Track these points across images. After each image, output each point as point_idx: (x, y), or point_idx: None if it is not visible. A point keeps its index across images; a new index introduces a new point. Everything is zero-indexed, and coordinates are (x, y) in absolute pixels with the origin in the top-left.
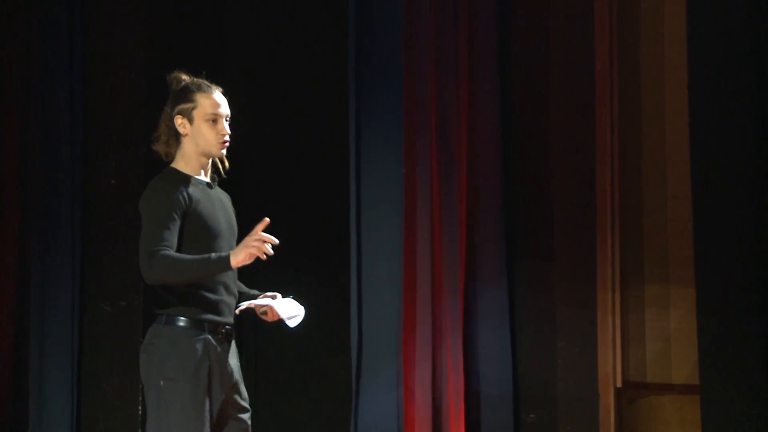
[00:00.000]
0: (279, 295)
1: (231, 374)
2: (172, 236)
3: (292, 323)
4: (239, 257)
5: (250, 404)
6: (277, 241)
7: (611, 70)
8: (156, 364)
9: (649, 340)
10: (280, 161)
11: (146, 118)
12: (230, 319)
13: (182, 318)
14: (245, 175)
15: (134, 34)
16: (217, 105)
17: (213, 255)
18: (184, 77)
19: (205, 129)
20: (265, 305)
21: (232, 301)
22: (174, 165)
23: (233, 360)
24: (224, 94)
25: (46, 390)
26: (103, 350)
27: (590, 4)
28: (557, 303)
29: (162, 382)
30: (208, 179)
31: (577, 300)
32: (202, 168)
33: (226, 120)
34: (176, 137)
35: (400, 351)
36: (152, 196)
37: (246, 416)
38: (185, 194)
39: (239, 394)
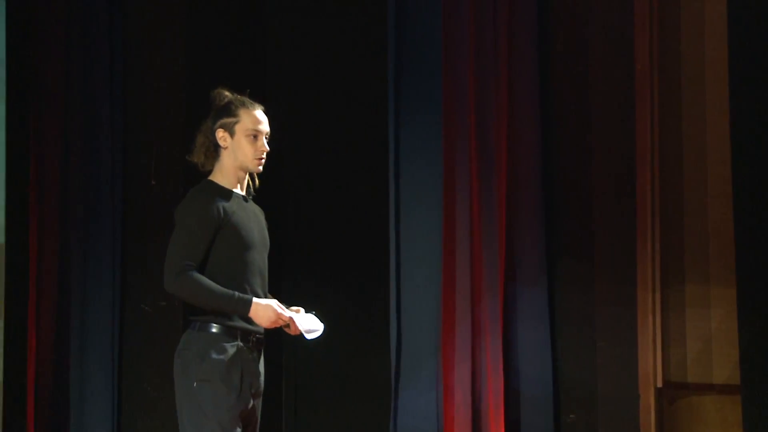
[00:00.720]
0: (302, 310)
1: (259, 384)
2: (202, 251)
3: (309, 336)
4: (259, 317)
5: (290, 405)
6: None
7: (651, 69)
8: (189, 368)
9: (689, 340)
10: (319, 165)
11: (186, 119)
12: (261, 328)
13: (215, 325)
14: (285, 179)
15: (175, 36)
16: (259, 122)
17: (236, 295)
18: (228, 93)
19: (245, 144)
20: (287, 320)
21: None
22: (212, 178)
23: (261, 369)
24: (266, 112)
25: (87, 390)
26: (143, 350)
27: (630, 4)
28: (597, 303)
29: (195, 384)
30: (243, 193)
31: (618, 300)
32: (239, 181)
33: (266, 137)
34: (215, 150)
35: (440, 351)
36: (189, 207)
37: (255, 418)
38: (221, 206)
39: (258, 403)
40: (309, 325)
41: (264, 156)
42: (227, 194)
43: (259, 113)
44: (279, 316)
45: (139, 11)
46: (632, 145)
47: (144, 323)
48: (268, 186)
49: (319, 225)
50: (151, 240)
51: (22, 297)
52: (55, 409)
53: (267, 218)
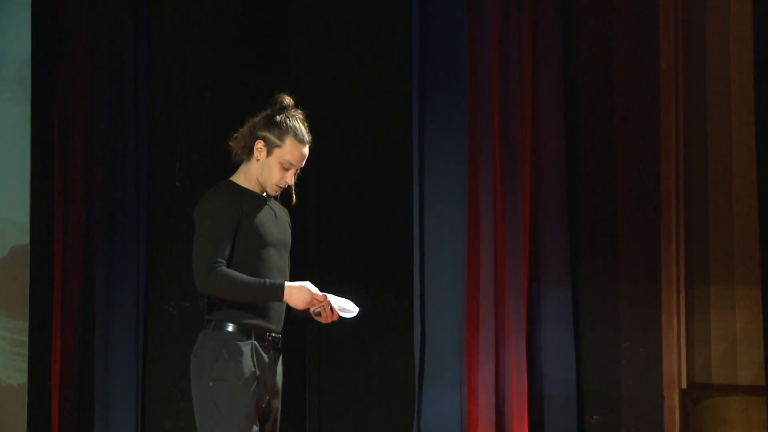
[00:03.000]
0: (331, 296)
1: (275, 383)
2: (227, 249)
3: (344, 315)
4: (294, 299)
5: (313, 406)
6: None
7: (676, 69)
8: (205, 368)
9: (714, 341)
10: (344, 168)
11: (210, 121)
12: (278, 327)
13: (230, 324)
14: (310, 182)
15: (200, 36)
16: (300, 159)
17: (268, 282)
18: (288, 104)
19: (275, 169)
20: (325, 302)
21: (282, 308)
22: (233, 178)
23: (279, 369)
24: (311, 147)
25: (111, 391)
26: (167, 351)
27: (655, 4)
28: (621, 304)
29: (211, 383)
30: (263, 194)
31: (642, 301)
32: (260, 189)
33: (296, 171)
34: (249, 150)
35: (463, 352)
36: (208, 208)
37: (274, 417)
38: (239, 206)
39: (277, 403)
40: (344, 305)
41: (284, 187)
42: (245, 193)
43: (305, 150)
44: (313, 296)
45: (164, 13)
46: (657, 145)
47: (168, 324)
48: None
49: (344, 226)
50: (175, 241)
51: (46, 298)
52: (80, 410)
53: (292, 219)
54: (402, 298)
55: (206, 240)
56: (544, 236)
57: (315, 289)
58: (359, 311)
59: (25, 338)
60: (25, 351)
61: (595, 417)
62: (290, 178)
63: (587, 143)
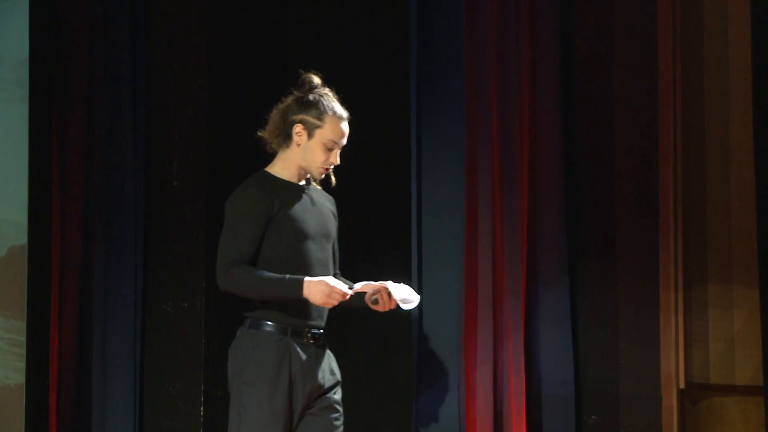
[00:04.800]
0: (389, 282)
1: (316, 378)
2: (252, 244)
3: (405, 306)
4: (313, 295)
5: None
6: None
7: (674, 70)
8: (237, 368)
9: (712, 341)
10: (342, 170)
11: (208, 121)
12: (319, 323)
13: (267, 322)
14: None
15: (197, 36)
16: (342, 135)
17: (287, 278)
18: (318, 83)
19: (319, 151)
20: (379, 287)
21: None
22: (269, 169)
23: (325, 364)
24: (350, 122)
25: (109, 391)
26: (165, 352)
27: (654, 4)
28: (619, 304)
29: (242, 386)
30: (302, 183)
31: (640, 301)
32: (299, 177)
33: (340, 150)
34: (286, 138)
35: (462, 352)
36: (239, 200)
37: (333, 417)
38: (273, 198)
39: (328, 397)
40: (404, 294)
41: (331, 168)
42: (281, 184)
43: (345, 126)
44: (332, 289)
45: (161, 13)
46: (655, 145)
47: (166, 324)
48: None
49: (342, 228)
50: (173, 241)
51: (44, 298)
52: (78, 410)
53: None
54: None
55: (230, 236)
56: (542, 237)
57: (337, 283)
58: (419, 300)
59: (23, 338)
60: (22, 351)
61: (593, 417)
62: (335, 158)
63: (585, 144)
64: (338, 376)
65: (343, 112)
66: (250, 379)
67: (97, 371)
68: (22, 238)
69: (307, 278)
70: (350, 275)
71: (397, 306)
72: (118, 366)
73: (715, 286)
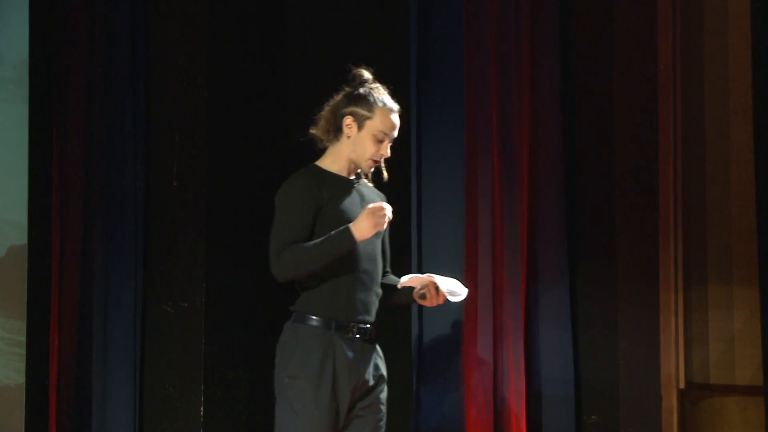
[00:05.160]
0: (436, 276)
1: (361, 374)
2: (303, 236)
3: (453, 299)
4: (364, 230)
5: None
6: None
7: (674, 69)
8: (283, 362)
9: (712, 341)
10: None
11: (208, 121)
12: (365, 317)
13: (312, 317)
14: None
15: (197, 36)
16: (392, 127)
17: (333, 233)
18: (368, 77)
19: (369, 143)
20: (426, 281)
21: (372, 299)
22: (319, 162)
23: (371, 361)
24: (400, 114)
25: (109, 391)
26: (165, 352)
27: (654, 3)
28: (619, 304)
29: (286, 379)
30: (351, 177)
31: (640, 301)
32: (349, 171)
33: (390, 142)
34: (335, 133)
35: (462, 352)
36: (288, 193)
37: (377, 417)
38: (322, 190)
39: (373, 395)
40: (452, 287)
41: (381, 161)
42: (330, 177)
43: (395, 117)
44: (371, 209)
45: (161, 13)
46: (655, 145)
47: (166, 324)
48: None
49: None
50: (173, 241)
51: (44, 298)
52: (77, 411)
53: None
54: None
55: (280, 226)
56: (542, 236)
57: (374, 206)
58: (467, 293)
59: (23, 338)
60: (22, 351)
61: (593, 417)
62: (386, 150)
63: (585, 143)
64: (383, 372)
65: (394, 105)
66: (294, 373)
67: (97, 371)
68: (22, 238)
69: (352, 223)
70: None
71: (446, 300)
72: (118, 366)
73: (715, 286)
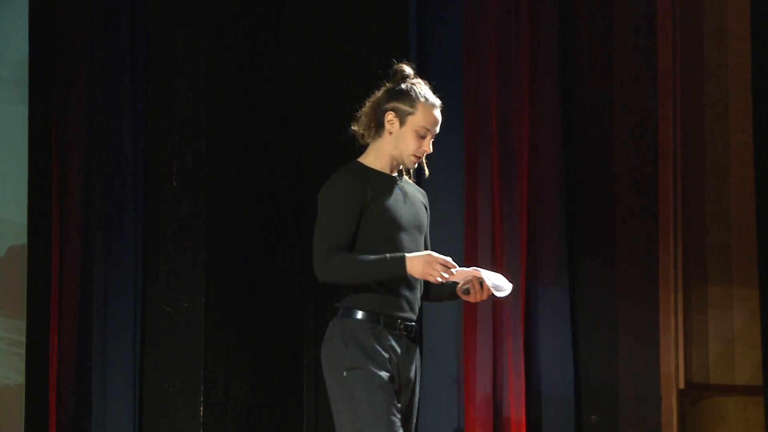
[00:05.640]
0: (481, 269)
1: (408, 371)
2: (349, 235)
3: (499, 294)
4: (415, 268)
5: (310, 404)
6: (454, 273)
7: (674, 69)
8: (336, 358)
9: (711, 341)
10: (341, 162)
11: (208, 121)
12: (410, 315)
13: (360, 311)
14: (307, 181)
15: (197, 35)
16: (435, 122)
17: (388, 256)
18: (409, 73)
19: (411, 139)
20: (471, 275)
21: (416, 296)
22: (361, 159)
23: (415, 358)
24: (442, 110)
25: (109, 391)
26: (165, 351)
27: (653, 4)
28: (619, 304)
29: (345, 372)
30: (394, 174)
31: (639, 301)
32: (391, 168)
33: (432, 138)
34: (377, 129)
35: (461, 352)
36: (332, 191)
37: (411, 415)
38: (366, 188)
39: (411, 391)
40: (497, 281)
41: (423, 156)
42: (374, 174)
43: (437, 113)
44: (435, 259)
45: (161, 13)
46: (655, 145)
47: (166, 324)
48: (291, 185)
49: None
50: (173, 241)
51: (44, 298)
52: (77, 410)
53: (289, 217)
54: None
55: (325, 226)
56: (542, 236)
57: (440, 257)
58: (512, 288)
59: (23, 338)
60: (22, 351)
61: (592, 417)
62: (428, 146)
63: (585, 144)
64: (419, 371)
65: (436, 100)
66: (353, 365)
67: (97, 371)
68: (22, 238)
69: (409, 255)
70: None
71: (491, 295)
72: (118, 366)
73: (715, 286)
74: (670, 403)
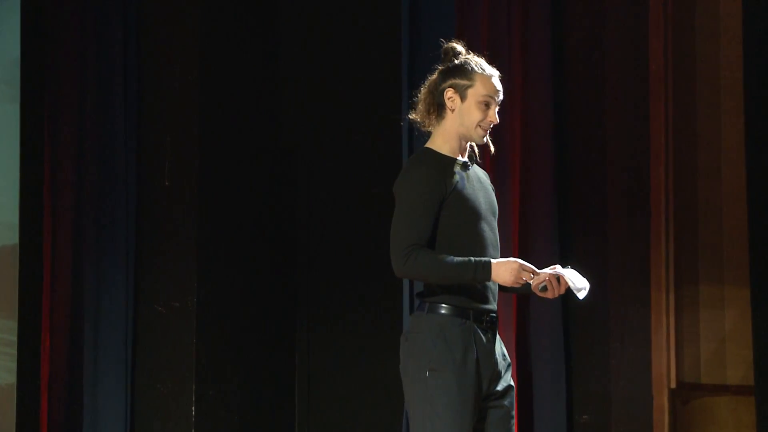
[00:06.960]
0: (559, 266)
1: (495, 363)
2: (430, 228)
3: (581, 295)
4: (500, 275)
5: (303, 396)
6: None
7: (666, 69)
8: (419, 354)
9: (703, 341)
10: (333, 166)
11: (200, 121)
12: (494, 306)
13: (445, 306)
14: (300, 179)
15: (189, 36)
16: (495, 90)
17: (473, 260)
18: (461, 50)
19: (475, 111)
20: (549, 274)
21: (496, 286)
22: (430, 145)
23: (498, 348)
24: (502, 80)
25: (100, 391)
26: (156, 351)
27: (645, 4)
28: (611, 304)
29: (427, 373)
30: (465, 159)
31: (631, 300)
32: (461, 149)
33: (498, 107)
34: (438, 111)
35: None
36: (411, 181)
37: (506, 400)
38: (444, 178)
39: (503, 383)
40: (575, 279)
41: (491, 127)
42: (448, 162)
43: (496, 80)
44: (522, 266)
45: (153, 13)
46: (647, 145)
47: (158, 324)
48: (282, 185)
49: (333, 224)
50: (164, 241)
51: (35, 298)
52: (69, 410)
53: (280, 217)
54: (393, 299)
55: (404, 220)
56: (534, 236)
57: (526, 264)
58: (589, 287)
59: (14, 338)
60: (14, 351)
61: (584, 416)
62: (494, 116)
63: (577, 143)
64: (509, 359)
65: (493, 70)
66: (436, 366)
67: (89, 371)
68: (14, 238)
69: (494, 260)
70: (345, 273)
71: (568, 291)
72: (110, 365)
73: (707, 286)
74: (662, 403)
